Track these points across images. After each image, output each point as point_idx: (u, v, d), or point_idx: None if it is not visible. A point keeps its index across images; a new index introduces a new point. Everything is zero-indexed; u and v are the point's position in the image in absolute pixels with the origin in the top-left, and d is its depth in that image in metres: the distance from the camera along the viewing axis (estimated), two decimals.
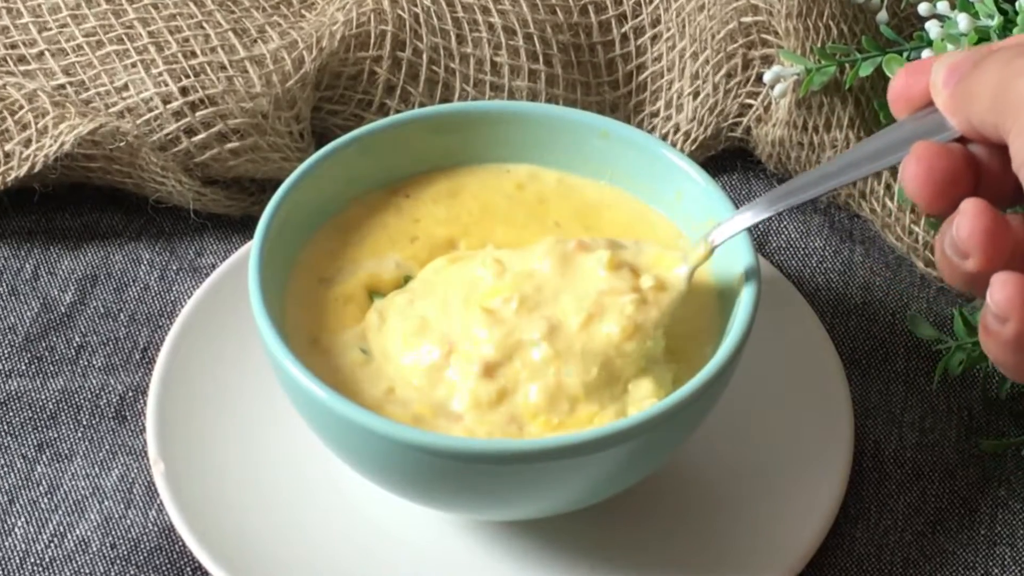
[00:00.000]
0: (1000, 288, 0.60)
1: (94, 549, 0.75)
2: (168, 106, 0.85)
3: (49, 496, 0.77)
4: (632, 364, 0.69)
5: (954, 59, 0.64)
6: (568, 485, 0.68)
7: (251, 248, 0.71)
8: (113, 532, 0.75)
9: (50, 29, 0.88)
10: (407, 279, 0.74)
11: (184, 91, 0.85)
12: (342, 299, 0.73)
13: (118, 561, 0.74)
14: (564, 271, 0.71)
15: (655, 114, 0.92)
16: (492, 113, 0.78)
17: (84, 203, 0.89)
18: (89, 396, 0.81)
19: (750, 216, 0.70)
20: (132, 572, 0.74)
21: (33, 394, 0.80)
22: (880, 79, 0.86)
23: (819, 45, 0.86)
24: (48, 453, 0.78)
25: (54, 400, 0.80)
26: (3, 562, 0.74)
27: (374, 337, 0.71)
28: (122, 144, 0.84)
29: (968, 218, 0.61)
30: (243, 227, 0.88)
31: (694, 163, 0.75)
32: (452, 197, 0.78)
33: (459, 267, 0.73)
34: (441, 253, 0.75)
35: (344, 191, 0.77)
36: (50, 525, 0.76)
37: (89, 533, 0.75)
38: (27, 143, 0.84)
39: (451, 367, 0.69)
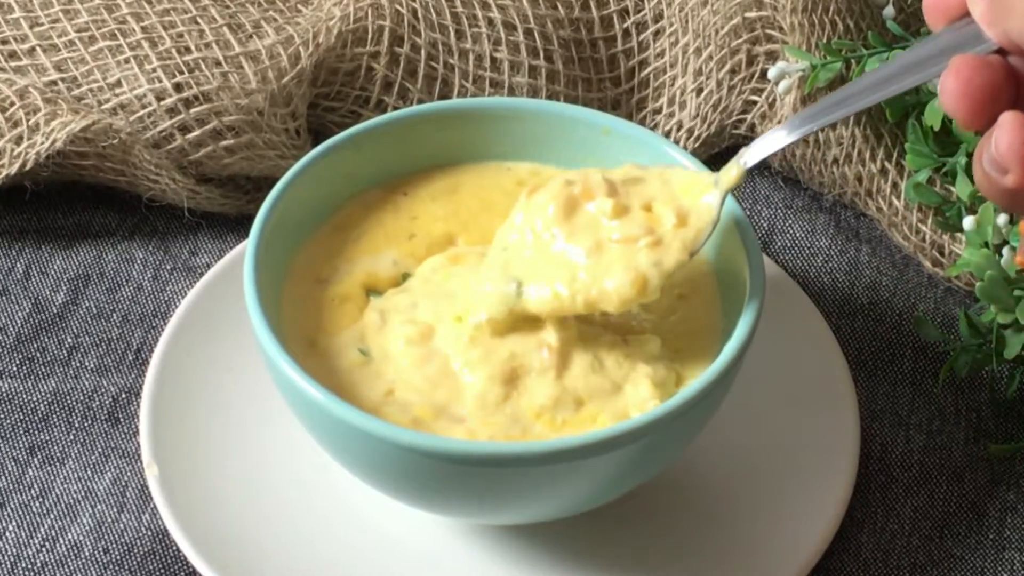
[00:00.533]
0: (1006, 132, 0.60)
1: (86, 554, 0.75)
2: (162, 102, 0.85)
3: (41, 500, 0.77)
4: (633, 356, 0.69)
5: None
6: (569, 489, 0.68)
7: (246, 248, 0.71)
8: (106, 536, 0.75)
9: (42, 24, 0.88)
10: (405, 276, 0.74)
11: (178, 87, 0.85)
12: (339, 299, 0.73)
13: (111, 566, 0.74)
14: (569, 223, 0.70)
15: (658, 111, 0.92)
16: (492, 110, 0.78)
17: (76, 202, 0.89)
18: (81, 398, 0.81)
19: (784, 135, 0.68)
20: None
21: (24, 396, 0.80)
22: None
23: (824, 41, 0.86)
24: (40, 456, 0.78)
25: (46, 402, 0.80)
26: None
27: (374, 337, 0.71)
28: (115, 141, 0.84)
29: (1007, 131, 0.60)
30: (238, 226, 0.88)
31: (698, 161, 0.75)
32: (451, 194, 0.78)
33: (459, 270, 0.73)
34: (439, 250, 0.75)
35: (341, 189, 0.77)
36: (42, 529, 0.76)
37: (81, 537, 0.75)
38: (18, 140, 0.84)
39: (454, 369, 0.69)
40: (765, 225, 0.90)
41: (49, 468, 0.78)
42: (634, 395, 0.69)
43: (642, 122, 0.92)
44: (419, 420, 0.68)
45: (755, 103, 0.91)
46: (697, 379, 0.67)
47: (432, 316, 0.71)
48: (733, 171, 0.70)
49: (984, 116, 0.62)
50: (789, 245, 0.89)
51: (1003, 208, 0.63)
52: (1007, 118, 0.61)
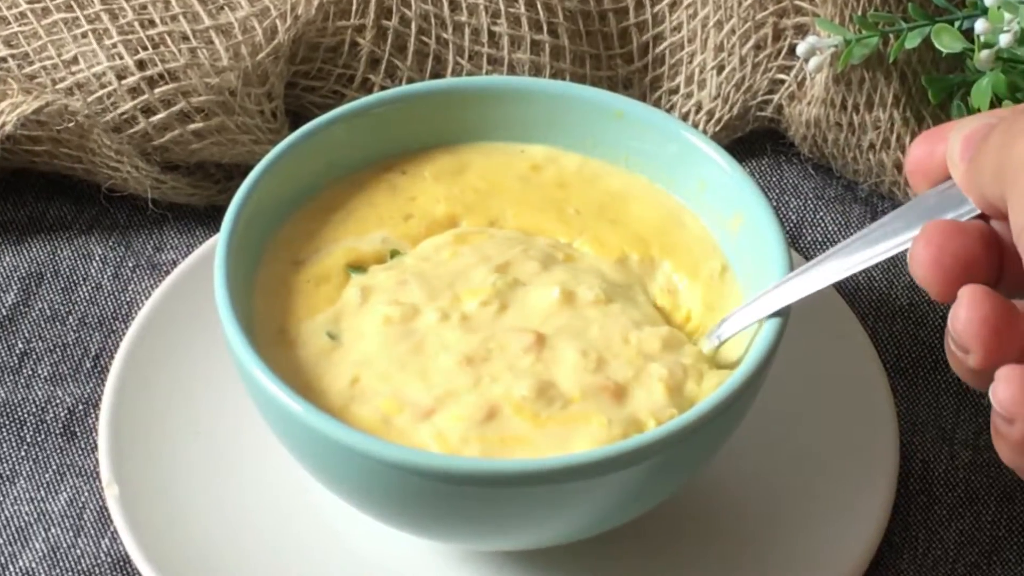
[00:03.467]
0: (1004, 386, 0.58)
1: None
2: (123, 82, 0.85)
3: None
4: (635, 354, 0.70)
5: (970, 128, 0.63)
6: (571, 512, 0.68)
7: (217, 242, 0.71)
8: (61, 563, 0.75)
9: None
10: (394, 254, 0.75)
11: (141, 65, 0.85)
12: (315, 281, 0.73)
13: None
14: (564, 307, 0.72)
15: (674, 91, 0.92)
16: (491, 90, 0.78)
17: (28, 192, 0.89)
18: (34, 410, 0.81)
19: (755, 311, 0.70)
20: None
21: None
22: (928, 51, 0.86)
23: (859, 13, 0.86)
24: None
25: None
26: None
27: (350, 318, 0.72)
28: (71, 125, 0.84)
29: (964, 307, 0.59)
30: (208, 218, 0.88)
31: (719, 147, 0.75)
32: (456, 175, 0.78)
33: (465, 250, 0.73)
34: (438, 233, 0.75)
35: (325, 175, 0.77)
36: None
37: (34, 564, 0.75)
38: None
39: (426, 350, 0.70)
40: (794, 217, 0.90)
41: None
42: (645, 400, 0.69)
43: (657, 103, 0.92)
44: (387, 417, 0.68)
45: (782, 82, 0.91)
46: (717, 390, 0.67)
47: (420, 297, 0.71)
48: (705, 349, 0.71)
49: (957, 287, 0.61)
50: (820, 240, 0.89)
51: (973, 386, 0.63)
52: (965, 293, 0.60)
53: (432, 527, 0.70)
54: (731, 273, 0.74)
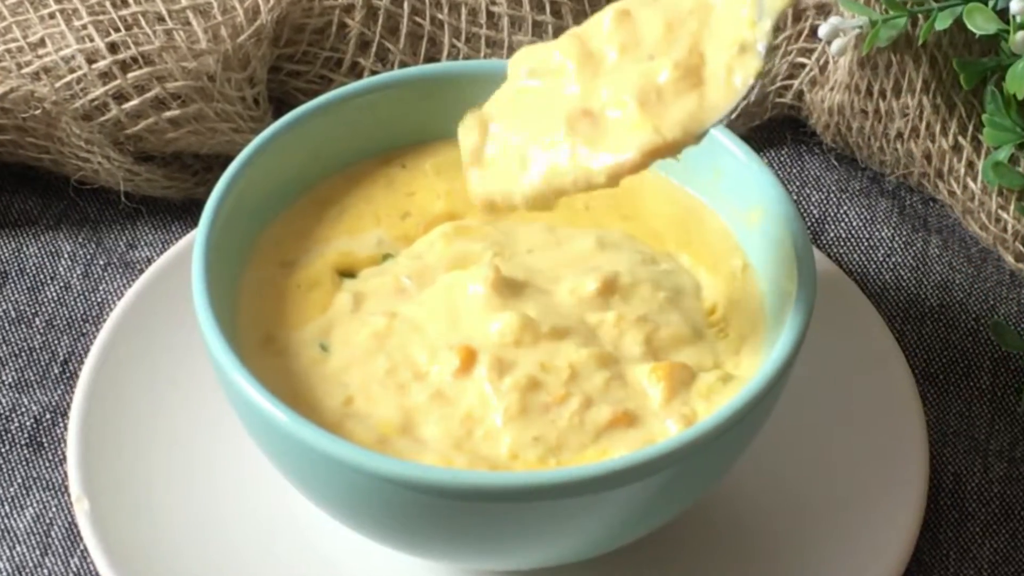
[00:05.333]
0: None
1: None
2: (93, 66, 0.85)
3: None
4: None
5: None
6: (575, 529, 0.68)
7: (195, 239, 0.71)
8: None
9: None
10: (386, 258, 0.75)
11: (113, 47, 0.85)
12: (305, 285, 0.73)
13: None
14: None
15: None
16: (497, 76, 0.79)
17: None
18: None
19: None
20: None
21: None
22: (960, 33, 0.86)
23: None
24: None
25: None
26: None
27: (342, 326, 0.71)
28: (38, 112, 0.84)
29: None
30: (185, 213, 0.88)
31: (734, 135, 0.75)
32: (458, 169, 0.78)
33: (466, 243, 0.74)
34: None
35: (316, 166, 0.77)
36: None
37: None
38: None
39: (430, 378, 0.69)
40: (815, 212, 0.90)
41: None
42: (660, 431, 0.69)
43: None
44: (384, 439, 0.68)
45: (803, 66, 0.91)
46: (734, 398, 0.67)
47: (414, 310, 0.71)
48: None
49: None
50: (844, 236, 0.89)
51: None
52: None
53: (430, 546, 0.69)
54: (752, 270, 0.74)
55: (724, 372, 0.70)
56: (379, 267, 0.74)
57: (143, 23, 0.85)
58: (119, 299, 0.83)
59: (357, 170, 0.78)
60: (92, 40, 0.85)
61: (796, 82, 0.91)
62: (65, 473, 0.79)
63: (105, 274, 0.86)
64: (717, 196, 0.76)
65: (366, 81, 0.78)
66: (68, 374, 0.82)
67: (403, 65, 0.89)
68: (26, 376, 0.82)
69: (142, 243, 0.88)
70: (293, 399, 0.68)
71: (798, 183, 0.91)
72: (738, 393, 0.67)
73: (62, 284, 0.86)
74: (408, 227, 0.76)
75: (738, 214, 0.75)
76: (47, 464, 0.79)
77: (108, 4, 0.86)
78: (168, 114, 0.85)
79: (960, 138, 0.87)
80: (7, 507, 0.78)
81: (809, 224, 0.89)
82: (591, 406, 0.68)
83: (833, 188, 0.91)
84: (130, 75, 0.85)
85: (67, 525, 0.77)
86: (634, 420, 0.68)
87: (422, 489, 0.64)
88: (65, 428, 0.80)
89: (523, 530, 0.67)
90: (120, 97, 0.85)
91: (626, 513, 0.68)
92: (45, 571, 0.76)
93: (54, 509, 0.78)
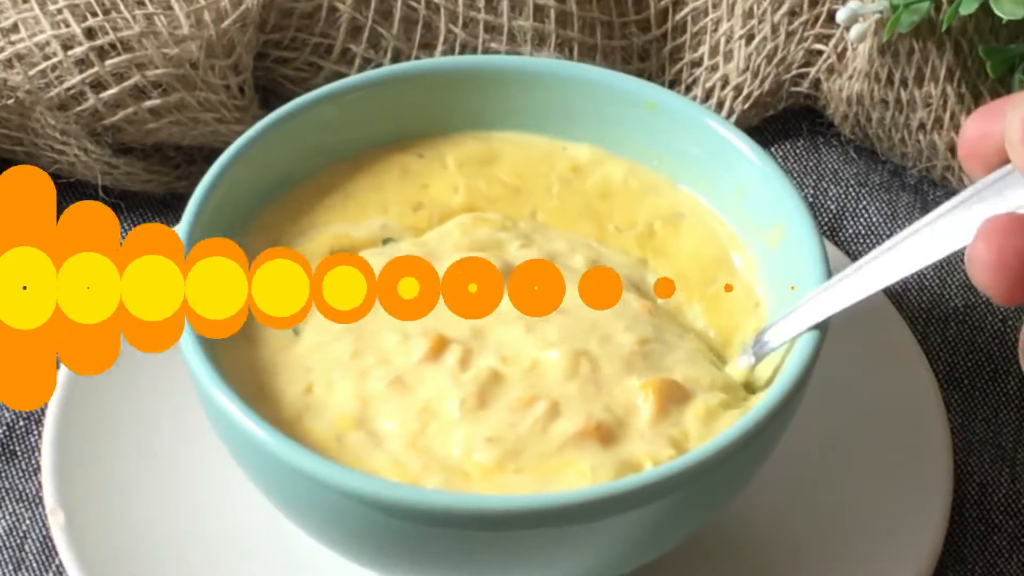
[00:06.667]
0: None
1: None
2: (69, 53, 0.84)
3: None
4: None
5: None
6: (572, 556, 0.67)
7: (178, 231, 0.71)
8: None
9: None
10: (387, 242, 0.75)
11: (90, 33, 0.85)
12: None
13: None
14: None
15: (697, 63, 0.92)
16: (495, 73, 0.79)
17: None
18: None
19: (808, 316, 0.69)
20: None
21: None
22: (986, 19, 0.86)
23: None
24: None
25: None
26: None
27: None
28: (10, 102, 0.84)
29: None
30: (165, 208, 0.88)
31: (760, 149, 0.75)
32: (484, 164, 0.78)
33: (483, 233, 0.74)
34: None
35: (314, 161, 0.77)
36: None
37: None
38: None
39: (394, 362, 0.69)
40: (833, 207, 0.90)
41: None
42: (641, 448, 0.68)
43: (677, 77, 0.92)
44: (340, 434, 0.67)
45: (820, 53, 0.91)
46: (749, 413, 0.67)
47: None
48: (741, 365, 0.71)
49: (1023, 289, 0.62)
50: (863, 233, 0.89)
51: None
52: None
53: (406, 569, 0.69)
54: (763, 307, 0.74)
55: (727, 397, 0.70)
56: (376, 250, 0.74)
57: (121, 7, 0.85)
58: None
59: (367, 156, 0.78)
60: (68, 25, 0.85)
61: (813, 70, 0.91)
62: (39, 483, 0.78)
63: None
64: (742, 215, 0.76)
65: (365, 75, 0.78)
66: None
67: (396, 51, 0.89)
68: None
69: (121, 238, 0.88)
70: (258, 390, 0.69)
71: (815, 177, 0.91)
72: (759, 403, 0.67)
73: None
74: (419, 219, 0.76)
75: (759, 234, 0.75)
76: (20, 474, 0.79)
77: None
78: (148, 103, 0.85)
79: None
80: None
81: (826, 220, 0.89)
82: (559, 412, 0.68)
83: (852, 182, 0.91)
84: (108, 62, 0.84)
85: (41, 538, 0.77)
86: (610, 436, 0.67)
87: (367, 504, 0.64)
88: (39, 436, 0.80)
89: (491, 560, 0.66)
90: (97, 85, 0.85)
91: (629, 537, 0.67)
92: None
93: (28, 521, 0.78)
